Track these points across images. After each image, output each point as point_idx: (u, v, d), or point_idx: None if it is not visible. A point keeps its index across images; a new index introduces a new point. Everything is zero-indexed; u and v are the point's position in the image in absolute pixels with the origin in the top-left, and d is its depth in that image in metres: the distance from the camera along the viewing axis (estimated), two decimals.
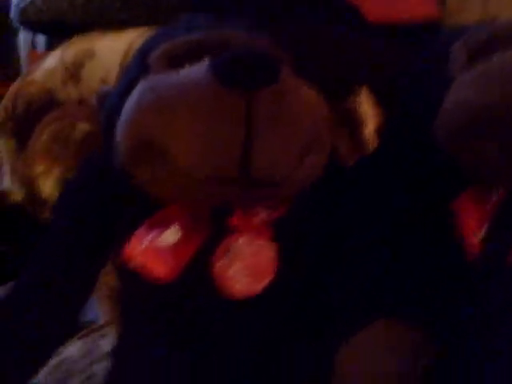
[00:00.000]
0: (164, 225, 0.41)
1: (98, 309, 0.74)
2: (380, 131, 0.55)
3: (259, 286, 0.41)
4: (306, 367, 0.41)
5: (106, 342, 0.61)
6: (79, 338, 0.63)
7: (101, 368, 0.54)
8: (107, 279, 0.68)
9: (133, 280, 0.41)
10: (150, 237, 0.40)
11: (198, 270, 0.40)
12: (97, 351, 0.59)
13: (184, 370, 0.41)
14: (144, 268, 0.40)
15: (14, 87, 0.73)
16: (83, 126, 0.74)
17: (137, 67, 0.43)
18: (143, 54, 0.43)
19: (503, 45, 0.41)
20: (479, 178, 0.42)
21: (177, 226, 0.41)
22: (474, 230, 0.41)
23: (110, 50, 0.72)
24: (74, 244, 0.45)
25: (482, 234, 0.41)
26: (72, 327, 0.48)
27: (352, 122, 0.63)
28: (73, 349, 0.60)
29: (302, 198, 0.42)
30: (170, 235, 0.41)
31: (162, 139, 0.37)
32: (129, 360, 0.43)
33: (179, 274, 0.40)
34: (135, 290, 0.43)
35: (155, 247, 0.40)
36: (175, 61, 0.41)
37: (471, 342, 0.40)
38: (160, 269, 0.40)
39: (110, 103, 0.44)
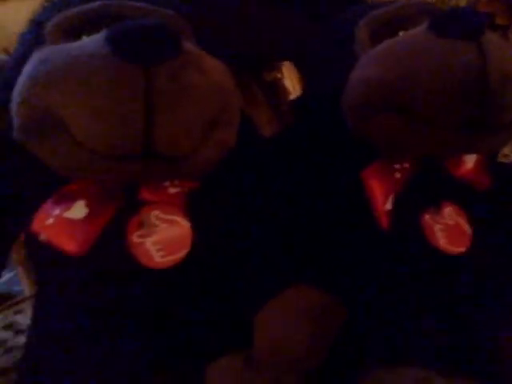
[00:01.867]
0: (70, 200, 0.41)
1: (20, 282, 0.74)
2: (299, 103, 0.56)
3: (176, 257, 0.42)
4: (222, 337, 0.42)
5: (23, 317, 0.60)
6: None
7: (23, 340, 0.54)
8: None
9: (44, 253, 0.41)
10: (57, 211, 0.40)
11: (113, 242, 0.41)
12: (16, 324, 0.58)
13: (102, 339, 0.41)
14: (53, 242, 0.40)
15: None
16: None
17: (31, 37, 0.42)
18: (38, 23, 0.42)
19: (403, 25, 0.44)
20: (383, 149, 0.44)
21: (83, 201, 0.41)
22: (381, 200, 0.44)
23: (11, 18, 0.69)
24: None
25: (388, 204, 0.44)
26: None
27: (273, 95, 0.65)
28: None
29: (214, 171, 0.43)
30: (78, 210, 0.40)
31: (57, 113, 0.36)
32: (45, 332, 0.43)
33: (92, 247, 0.40)
34: (47, 262, 0.42)
35: (63, 221, 0.40)
36: (71, 32, 0.40)
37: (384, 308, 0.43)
38: (69, 243, 0.40)
39: (5, 75, 0.42)
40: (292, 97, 0.68)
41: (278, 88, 0.67)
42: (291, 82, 0.68)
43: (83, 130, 0.36)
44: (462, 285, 0.45)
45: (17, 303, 0.67)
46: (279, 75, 0.68)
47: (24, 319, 0.59)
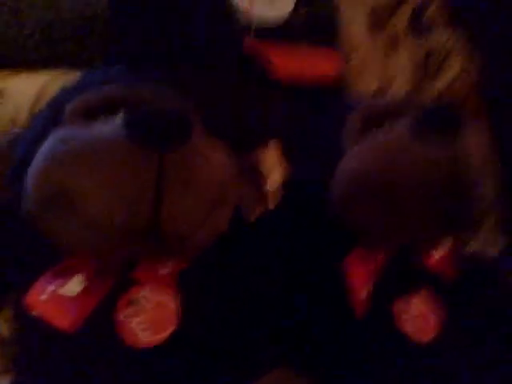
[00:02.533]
0: (68, 274, 0.43)
1: None
2: (284, 186, 0.60)
3: (161, 337, 0.44)
4: None
5: None
6: None
7: None
8: None
9: (34, 329, 0.43)
10: (52, 286, 0.42)
11: (101, 320, 0.42)
12: None
13: None
14: (45, 318, 0.41)
15: None
16: None
17: (50, 117, 0.45)
18: (57, 104, 0.45)
19: (391, 119, 0.49)
20: (365, 238, 0.48)
21: (81, 277, 0.43)
22: (359, 289, 0.47)
23: (22, 90, 0.73)
24: None
25: (367, 292, 0.48)
26: None
27: (256, 175, 0.68)
28: None
29: (205, 250, 0.45)
30: (74, 285, 0.42)
31: (71, 192, 0.38)
32: None
33: (82, 325, 0.42)
34: (35, 338, 0.44)
35: (58, 297, 0.41)
36: (89, 113, 0.43)
37: None
38: (62, 319, 0.41)
39: (20, 150, 0.45)
40: (275, 177, 0.71)
41: (259, 171, 0.71)
42: (273, 162, 0.71)
43: (93, 208, 0.38)
44: (428, 373, 0.48)
45: None
46: (261, 156, 0.72)
47: None
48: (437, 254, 0.52)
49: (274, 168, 0.69)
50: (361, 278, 0.47)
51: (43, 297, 0.42)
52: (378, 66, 1.00)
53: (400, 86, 1.01)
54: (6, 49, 0.72)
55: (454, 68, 0.99)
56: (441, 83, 0.98)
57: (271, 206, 0.64)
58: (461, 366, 0.49)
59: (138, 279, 0.44)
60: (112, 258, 0.43)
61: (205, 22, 0.63)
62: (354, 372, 0.47)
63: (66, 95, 0.46)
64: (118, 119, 0.40)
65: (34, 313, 0.42)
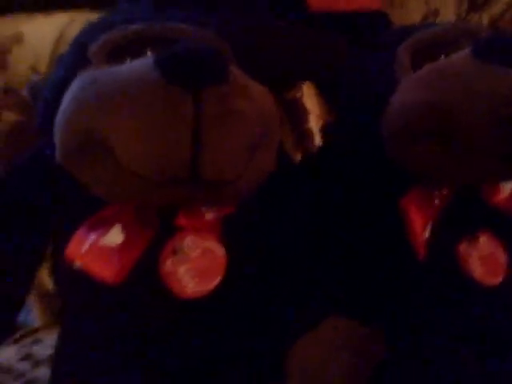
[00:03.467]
0: (106, 225, 0.41)
1: (32, 311, 0.73)
2: (326, 128, 0.57)
3: (209, 287, 0.42)
4: (255, 368, 0.42)
5: (41, 348, 0.60)
6: (12, 343, 0.62)
7: (42, 373, 0.54)
8: (40, 280, 0.68)
9: (77, 281, 0.41)
10: (92, 237, 0.40)
11: (145, 270, 0.41)
12: (35, 356, 0.58)
13: (133, 371, 0.41)
14: (89, 270, 0.40)
15: None
16: (9, 116, 0.72)
17: (74, 59, 0.43)
18: (81, 45, 0.43)
19: (444, 49, 0.44)
20: (422, 177, 0.45)
21: (120, 227, 0.41)
22: (420, 229, 0.44)
23: (40, 36, 0.71)
24: (7, 239, 0.44)
25: (427, 232, 0.44)
26: (10, 328, 0.48)
27: (294, 116, 0.65)
28: (8, 353, 0.59)
29: (250, 196, 0.43)
30: (114, 236, 0.41)
31: (104, 137, 0.36)
32: (72, 362, 0.42)
33: (126, 276, 0.40)
34: (80, 291, 0.43)
35: (99, 248, 0.40)
36: (115, 54, 0.41)
37: (419, 338, 0.43)
38: (106, 271, 0.40)
39: (46, 96, 0.43)
40: (311, 117, 0.68)
41: (297, 107, 0.68)
42: (311, 101, 0.68)
43: (130, 153, 0.36)
44: (495, 317, 0.45)
45: (32, 333, 0.67)
46: (299, 94, 0.69)
47: (42, 349, 0.59)
48: (503, 193, 0.48)
49: (311, 109, 0.66)
50: (421, 217, 0.44)
51: (84, 248, 0.40)
52: None
53: (444, 19, 0.96)
54: None
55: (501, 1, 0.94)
56: (488, 16, 0.94)
57: (313, 147, 0.61)
58: None
59: (182, 226, 0.42)
60: (151, 205, 0.41)
61: None
62: (416, 318, 0.44)
63: (89, 35, 0.44)
64: (148, 58, 0.38)
65: (76, 265, 0.40)
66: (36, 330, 0.68)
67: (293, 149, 0.60)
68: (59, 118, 0.38)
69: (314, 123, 0.66)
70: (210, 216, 0.43)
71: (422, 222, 0.44)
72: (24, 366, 0.56)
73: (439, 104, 0.41)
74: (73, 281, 0.42)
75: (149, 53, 0.40)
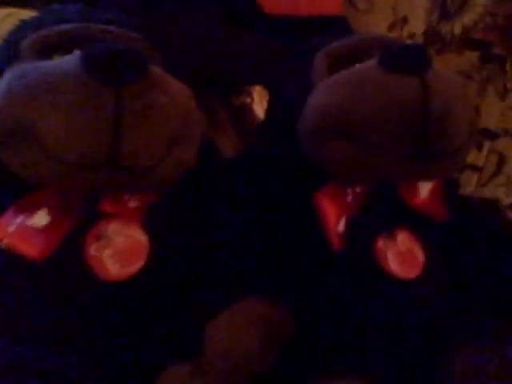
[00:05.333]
0: (33, 208, 0.46)
1: None
2: (259, 129, 0.63)
3: (131, 270, 0.47)
4: (175, 347, 0.47)
5: None
6: None
7: None
8: None
9: (4, 260, 0.47)
10: (19, 219, 0.46)
11: (70, 252, 0.46)
12: None
13: (51, 351, 0.45)
14: (15, 248, 0.45)
15: None
16: None
17: (6, 54, 0.48)
18: (13, 42, 0.49)
19: (360, 58, 0.51)
20: (335, 174, 0.51)
21: (46, 210, 0.46)
22: (333, 222, 0.50)
23: None
24: None
25: (341, 226, 0.50)
26: None
27: (242, 123, 0.71)
28: None
29: (174, 188, 0.49)
30: (40, 218, 0.46)
31: (31, 125, 0.42)
32: None
33: (52, 256, 0.45)
34: (6, 269, 0.47)
35: (25, 228, 0.45)
36: (44, 51, 0.47)
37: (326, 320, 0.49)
38: (31, 249, 0.45)
39: None
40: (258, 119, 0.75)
41: (246, 113, 0.74)
42: (262, 106, 0.75)
43: (55, 141, 0.42)
44: (411, 310, 0.51)
45: None
46: (248, 100, 0.75)
47: None
48: (421, 194, 0.55)
49: (258, 112, 0.72)
50: (334, 211, 0.50)
51: (11, 228, 0.46)
52: (388, 4, 1.01)
53: (413, 28, 1.02)
54: None
55: (476, 9, 0.98)
56: (460, 25, 0.98)
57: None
58: (443, 305, 0.51)
59: (106, 212, 0.48)
60: (75, 190, 0.47)
61: None
62: (328, 305, 0.50)
63: (21, 32, 0.50)
64: (75, 55, 0.44)
65: (2, 244, 0.46)
66: None
67: (231, 150, 0.67)
68: None
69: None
70: (133, 204, 0.48)
71: (334, 215, 0.50)
72: None
73: (335, 107, 0.48)
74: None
75: (76, 51, 0.46)
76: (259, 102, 0.75)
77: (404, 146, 0.46)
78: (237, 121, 0.70)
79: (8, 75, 0.45)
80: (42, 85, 0.42)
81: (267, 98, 0.73)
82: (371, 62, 0.49)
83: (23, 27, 0.50)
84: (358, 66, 0.51)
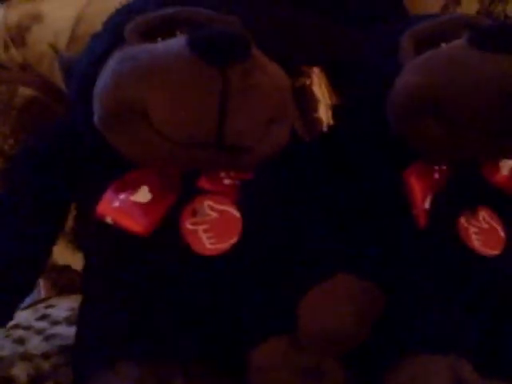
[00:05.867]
0: (135, 186, 0.48)
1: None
2: (336, 110, 0.65)
3: (225, 246, 0.49)
4: (268, 322, 0.49)
5: (56, 310, 0.67)
6: (25, 309, 0.69)
7: (61, 330, 0.61)
8: None
9: (106, 238, 0.49)
10: (122, 195, 0.48)
11: (168, 228, 0.48)
12: (51, 316, 0.65)
13: (154, 322, 0.48)
14: (120, 223, 0.47)
15: None
16: (25, 92, 0.79)
17: (110, 38, 0.50)
18: (116, 25, 0.51)
19: (445, 38, 0.52)
20: (423, 153, 0.52)
21: (147, 188, 0.48)
22: (420, 199, 0.52)
23: (60, 15, 0.78)
24: (34, 204, 0.52)
25: (427, 203, 0.52)
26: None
27: (303, 104, 0.73)
28: (23, 316, 0.66)
29: (265, 166, 0.51)
30: (142, 195, 0.48)
31: (142, 105, 0.44)
32: (97, 315, 0.49)
33: (152, 232, 0.47)
34: (109, 246, 0.50)
35: (129, 204, 0.47)
36: (148, 34, 0.49)
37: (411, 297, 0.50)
38: (136, 224, 0.47)
39: (81, 71, 0.51)
40: (321, 106, 0.76)
41: (306, 95, 0.75)
42: (320, 88, 0.75)
43: (165, 120, 0.44)
44: (492, 286, 0.53)
45: (42, 301, 0.74)
46: (308, 82, 0.76)
47: (57, 312, 0.66)
48: (502, 171, 0.56)
49: (323, 97, 0.73)
50: (422, 188, 0.51)
51: (115, 204, 0.48)
52: None
53: (466, 9, 1.02)
54: None
55: None
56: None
57: (321, 129, 0.69)
58: None
59: (203, 189, 0.49)
60: (178, 166, 0.49)
61: None
62: (413, 282, 0.52)
63: (124, 16, 0.51)
64: (181, 38, 0.46)
65: (107, 220, 0.48)
66: (46, 299, 0.75)
67: (301, 130, 0.68)
68: (100, 88, 0.46)
69: (324, 112, 0.73)
70: (227, 181, 0.50)
71: (422, 192, 0.51)
72: (43, 324, 0.62)
73: (427, 85, 0.49)
74: (102, 238, 0.50)
75: (178, 34, 0.48)
76: (318, 84, 0.76)
77: (493, 124, 0.47)
78: (297, 102, 0.72)
79: (116, 58, 0.47)
80: (154, 66, 0.44)
81: (325, 79, 0.75)
82: (459, 42, 0.50)
83: (126, 11, 0.52)
84: (444, 45, 0.52)
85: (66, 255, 0.78)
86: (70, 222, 0.58)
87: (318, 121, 0.73)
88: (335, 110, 0.65)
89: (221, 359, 0.50)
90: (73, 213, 0.56)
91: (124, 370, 0.44)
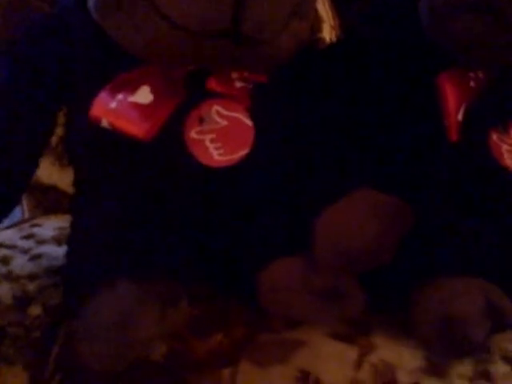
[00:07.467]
0: (133, 85, 0.44)
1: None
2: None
3: (235, 157, 0.45)
4: (279, 242, 0.46)
5: (42, 230, 0.64)
6: (8, 228, 0.66)
7: (48, 249, 0.58)
8: None
9: (103, 139, 0.45)
10: (119, 96, 0.43)
11: (172, 134, 0.44)
12: (37, 235, 0.62)
13: (155, 227, 0.45)
14: (118, 126, 0.43)
15: None
16: None
17: None
18: None
19: None
20: (460, 55, 0.48)
21: (148, 88, 0.44)
22: (454, 109, 0.47)
23: None
24: (26, 100, 0.48)
25: (460, 114, 0.48)
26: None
27: None
28: (7, 235, 0.62)
29: (279, 72, 0.47)
30: (142, 95, 0.43)
31: None
32: (91, 232, 0.46)
33: (154, 136, 0.43)
34: (104, 153, 0.46)
35: (128, 105, 0.43)
36: None
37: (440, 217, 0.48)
38: (135, 127, 0.42)
39: None
40: (325, 26, 0.73)
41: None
42: (325, 9, 0.74)
43: (175, 5, 0.40)
44: None
45: (27, 221, 0.70)
46: None
47: (43, 231, 0.63)
48: None
49: (327, 17, 0.70)
50: (456, 97, 0.47)
51: (112, 105, 0.43)
52: None
53: None
54: None
55: None
56: None
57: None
58: None
59: (211, 91, 0.45)
60: (186, 63, 0.44)
61: None
62: (441, 199, 0.48)
63: None
64: None
65: (103, 123, 0.43)
66: (31, 219, 0.71)
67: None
68: None
69: (327, 33, 0.72)
70: (240, 84, 0.46)
71: (456, 100, 0.47)
72: (28, 243, 0.59)
73: None
74: (97, 144, 0.45)
75: None
76: (322, 2, 0.72)
77: None
78: None
79: None
80: None
81: (330, 2, 0.71)
82: None
83: None
84: None
85: (52, 173, 0.74)
86: (56, 139, 0.55)
87: (322, 41, 0.72)
88: (361, 14, 0.60)
89: (226, 281, 0.47)
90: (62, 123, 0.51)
91: (124, 290, 0.40)
